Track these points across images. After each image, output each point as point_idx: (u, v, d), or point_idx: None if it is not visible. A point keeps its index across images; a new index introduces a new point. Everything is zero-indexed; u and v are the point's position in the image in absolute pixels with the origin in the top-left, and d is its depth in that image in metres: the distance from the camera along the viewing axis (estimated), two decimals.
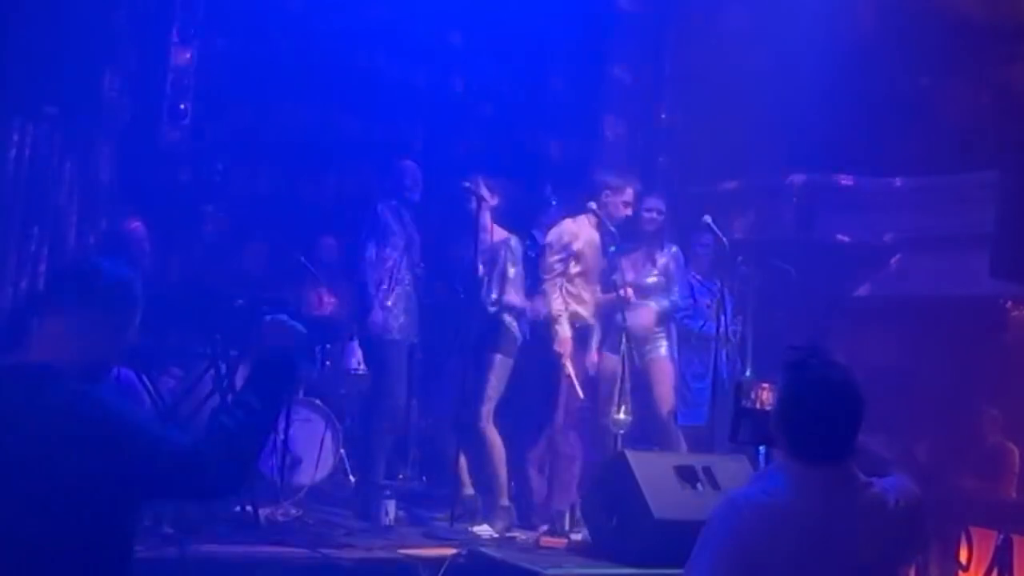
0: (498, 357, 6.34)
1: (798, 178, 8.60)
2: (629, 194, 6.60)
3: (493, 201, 6.47)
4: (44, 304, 2.72)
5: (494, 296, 6.34)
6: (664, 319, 6.82)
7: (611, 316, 6.73)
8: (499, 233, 6.48)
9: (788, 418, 2.70)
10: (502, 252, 6.37)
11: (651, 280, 6.81)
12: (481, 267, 6.35)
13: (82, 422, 2.48)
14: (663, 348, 6.82)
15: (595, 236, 6.58)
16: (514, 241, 6.49)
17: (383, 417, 6.42)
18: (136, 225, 7.06)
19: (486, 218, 6.40)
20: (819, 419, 2.66)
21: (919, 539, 2.96)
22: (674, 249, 6.97)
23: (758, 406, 2.91)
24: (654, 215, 6.86)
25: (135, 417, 2.59)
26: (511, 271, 6.36)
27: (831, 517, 2.63)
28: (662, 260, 6.88)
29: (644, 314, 6.72)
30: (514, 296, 6.35)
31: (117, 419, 2.52)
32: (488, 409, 6.30)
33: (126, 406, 2.61)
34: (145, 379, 5.68)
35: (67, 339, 2.63)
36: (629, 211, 6.61)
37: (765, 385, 2.89)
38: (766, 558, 2.60)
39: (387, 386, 6.43)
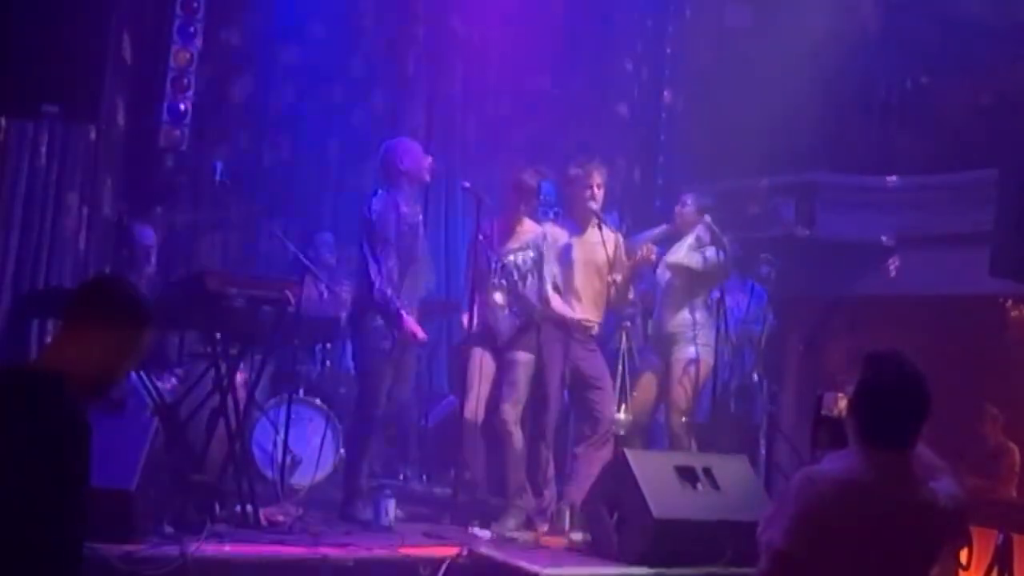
0: (525, 356, 6.29)
1: (799, 177, 8.60)
2: (596, 177, 6.42)
3: (526, 195, 6.40)
4: (64, 314, 2.75)
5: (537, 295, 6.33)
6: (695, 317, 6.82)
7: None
8: (532, 227, 6.42)
9: (862, 404, 3.01)
10: (542, 248, 6.35)
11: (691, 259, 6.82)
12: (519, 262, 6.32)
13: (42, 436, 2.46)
14: (691, 349, 6.71)
15: (570, 236, 6.49)
16: (549, 235, 6.40)
17: (366, 421, 6.31)
18: (145, 230, 7.05)
19: (522, 212, 6.36)
20: (889, 406, 2.98)
21: (960, 538, 3.41)
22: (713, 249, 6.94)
23: (835, 415, 3.15)
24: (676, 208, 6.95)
25: (77, 462, 2.52)
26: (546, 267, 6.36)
27: (890, 500, 2.94)
28: None
29: (672, 309, 6.77)
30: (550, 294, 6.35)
31: (63, 450, 2.48)
32: (518, 412, 6.26)
33: (84, 450, 2.54)
34: (145, 379, 5.68)
35: (82, 350, 2.67)
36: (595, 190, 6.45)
37: (841, 395, 3.13)
38: (833, 526, 2.90)
39: (368, 390, 6.31)
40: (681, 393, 6.67)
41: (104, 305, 2.75)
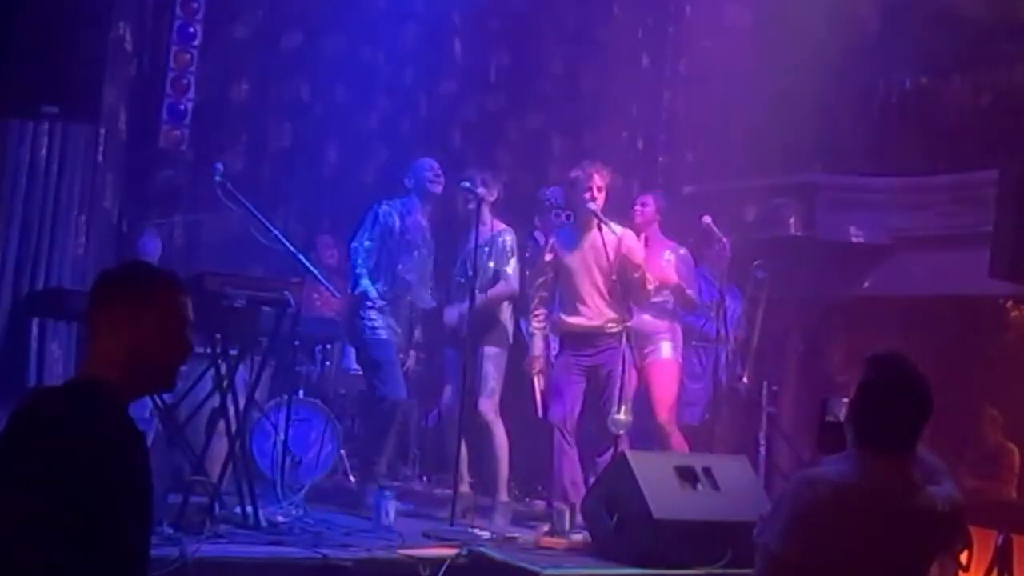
0: (493, 350, 6.43)
1: (799, 177, 8.60)
2: (596, 179, 6.41)
3: (491, 196, 6.51)
4: (86, 319, 2.48)
5: (487, 291, 6.46)
6: (670, 319, 6.85)
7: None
8: (496, 226, 6.54)
9: (861, 406, 2.99)
10: (497, 245, 6.46)
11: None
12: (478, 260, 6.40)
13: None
14: (666, 349, 6.81)
15: (581, 238, 6.52)
16: (509, 236, 6.55)
17: (381, 417, 6.39)
18: (150, 242, 7.05)
19: (485, 213, 6.42)
20: (888, 409, 2.96)
21: (958, 541, 3.52)
22: (683, 251, 6.98)
23: (841, 419, 3.12)
24: (635, 208, 7.00)
25: (131, 474, 2.32)
26: (507, 266, 6.48)
27: (888, 504, 2.92)
28: (669, 259, 6.91)
29: (647, 312, 6.76)
30: (503, 289, 6.48)
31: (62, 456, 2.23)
32: (494, 402, 6.35)
33: (134, 459, 2.33)
34: None
35: (115, 346, 2.41)
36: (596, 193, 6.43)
37: (846, 400, 3.10)
38: (830, 529, 2.90)
39: (381, 386, 6.40)
40: (668, 391, 6.70)
41: (116, 289, 2.47)
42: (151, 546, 2.47)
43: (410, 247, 6.52)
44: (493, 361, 6.46)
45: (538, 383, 6.62)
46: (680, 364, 6.88)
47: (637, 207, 7.06)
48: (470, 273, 6.40)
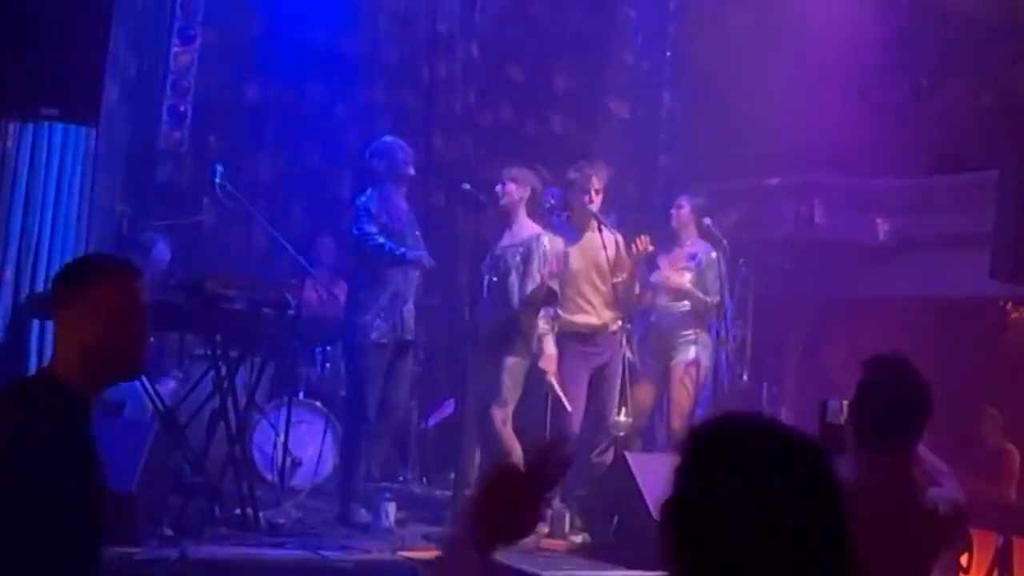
0: (512, 359, 6.24)
1: (798, 177, 8.60)
2: (595, 180, 6.38)
3: (519, 193, 6.39)
4: (48, 309, 2.58)
5: (518, 295, 6.24)
6: (695, 320, 6.83)
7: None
8: (532, 228, 6.34)
9: (861, 408, 3.01)
10: (533, 248, 6.24)
11: (684, 279, 6.84)
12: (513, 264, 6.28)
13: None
14: (691, 352, 6.76)
15: (571, 240, 6.47)
16: (546, 238, 6.29)
17: (358, 420, 6.33)
18: (159, 245, 7.04)
19: (520, 212, 6.35)
20: (889, 410, 2.98)
21: (959, 543, 3.59)
22: (714, 254, 6.87)
23: (840, 422, 3.12)
24: (671, 211, 7.00)
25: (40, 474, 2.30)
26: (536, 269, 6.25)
27: (890, 506, 2.91)
28: (694, 259, 6.92)
29: (672, 314, 6.77)
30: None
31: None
32: (505, 413, 6.21)
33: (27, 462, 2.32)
34: (145, 381, 5.68)
35: (70, 340, 2.45)
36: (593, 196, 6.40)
37: (846, 402, 3.11)
38: None
39: (360, 390, 6.31)
40: (684, 396, 6.68)
41: (65, 287, 2.51)
42: (97, 549, 2.48)
43: (400, 236, 6.40)
44: (510, 371, 6.22)
45: (556, 383, 6.30)
46: (705, 367, 6.76)
47: (673, 209, 7.03)
48: (494, 279, 6.30)
